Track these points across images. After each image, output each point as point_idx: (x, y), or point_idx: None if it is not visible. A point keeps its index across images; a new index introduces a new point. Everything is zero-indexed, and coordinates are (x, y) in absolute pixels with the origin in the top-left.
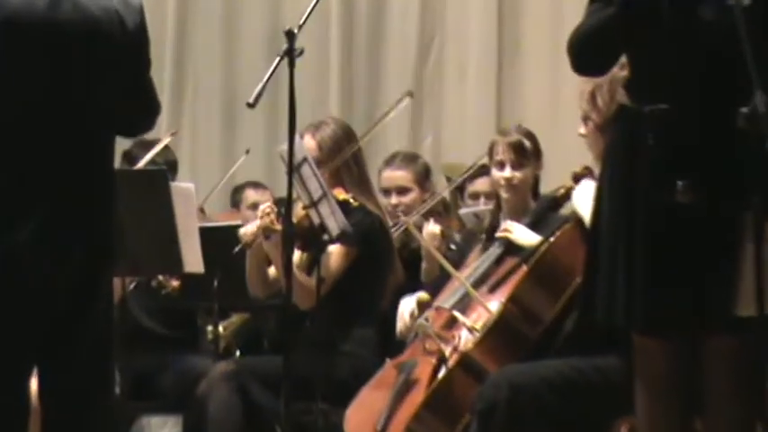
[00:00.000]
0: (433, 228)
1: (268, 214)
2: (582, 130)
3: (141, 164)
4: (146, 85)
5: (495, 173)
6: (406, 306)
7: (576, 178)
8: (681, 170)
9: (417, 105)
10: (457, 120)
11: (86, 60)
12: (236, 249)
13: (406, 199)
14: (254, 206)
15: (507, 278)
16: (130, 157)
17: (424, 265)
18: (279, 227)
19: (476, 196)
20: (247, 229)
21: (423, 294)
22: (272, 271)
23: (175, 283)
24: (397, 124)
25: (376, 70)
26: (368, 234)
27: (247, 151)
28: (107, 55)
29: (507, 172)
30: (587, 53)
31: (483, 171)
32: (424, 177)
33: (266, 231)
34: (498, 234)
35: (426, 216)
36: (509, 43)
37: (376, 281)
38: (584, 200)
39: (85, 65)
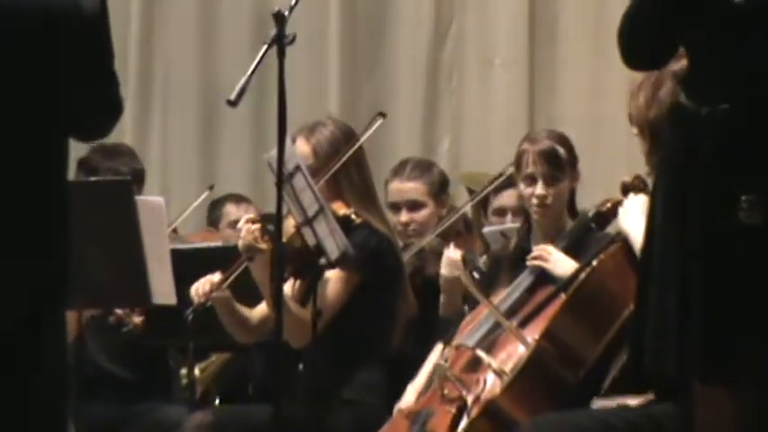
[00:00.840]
0: (453, 254)
1: (251, 231)
2: (634, 130)
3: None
4: (106, 79)
5: (525, 189)
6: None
7: (626, 190)
8: (745, 184)
9: (432, 103)
10: (480, 120)
11: (33, 48)
12: (188, 314)
13: (419, 216)
14: (236, 224)
15: (541, 310)
16: (88, 167)
17: (443, 298)
18: (265, 245)
19: (502, 212)
20: (199, 288)
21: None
22: (255, 312)
23: (138, 319)
24: (409, 126)
25: (383, 61)
26: (373, 257)
27: (211, 187)
28: (59, 42)
29: (539, 188)
30: (636, 41)
31: (511, 182)
32: (439, 189)
33: (249, 252)
34: (530, 261)
35: (444, 236)
36: (544, 27)
37: (383, 314)
38: (633, 216)
39: (32, 53)
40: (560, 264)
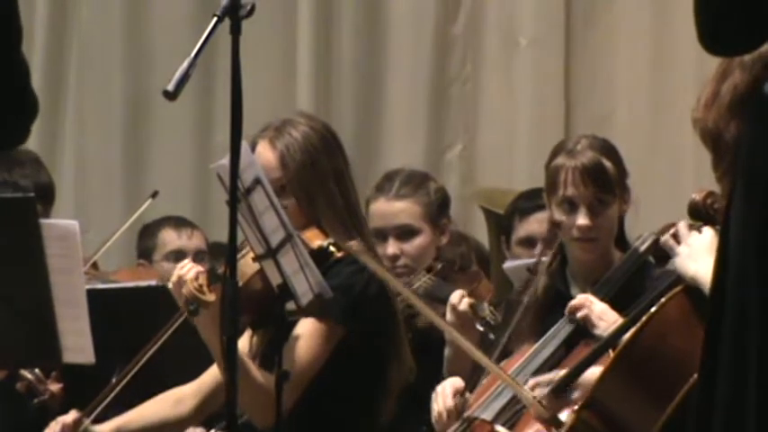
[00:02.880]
0: (457, 299)
1: (195, 278)
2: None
3: None
4: (14, 69)
5: (562, 218)
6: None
7: (695, 212)
8: None
9: (439, 95)
10: (501, 118)
11: None
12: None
13: (411, 246)
14: (176, 256)
15: (583, 371)
16: None
17: (447, 351)
18: (211, 296)
19: (529, 243)
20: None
21: (457, 381)
22: (192, 388)
23: (54, 387)
24: (407, 127)
25: (371, 39)
26: (361, 301)
27: (154, 194)
28: None
29: (583, 218)
30: (723, 13)
31: (538, 203)
32: (438, 211)
33: (189, 303)
34: (571, 311)
35: (444, 275)
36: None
37: (372, 379)
38: (700, 257)
39: None
40: (605, 319)
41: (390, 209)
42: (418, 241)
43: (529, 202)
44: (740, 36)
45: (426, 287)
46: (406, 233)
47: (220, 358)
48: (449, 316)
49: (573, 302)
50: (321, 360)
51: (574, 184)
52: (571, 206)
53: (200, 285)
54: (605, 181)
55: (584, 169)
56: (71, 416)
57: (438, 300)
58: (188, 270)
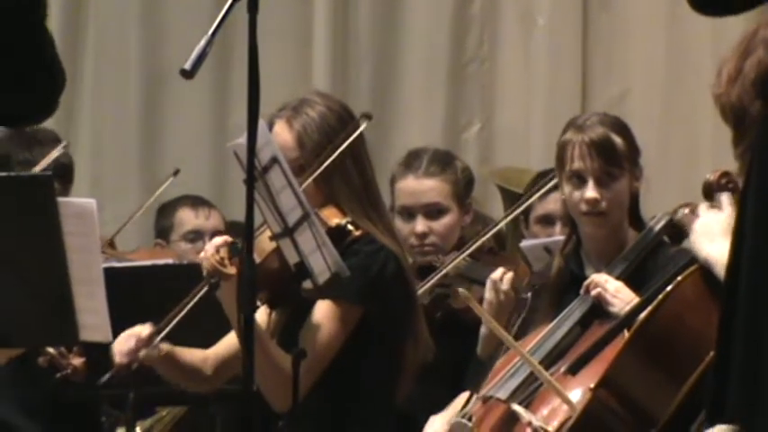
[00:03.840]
0: (499, 275)
1: (216, 251)
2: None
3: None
4: (44, 39)
5: (571, 192)
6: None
7: (710, 192)
8: None
9: (456, 75)
10: (518, 98)
11: None
12: (104, 379)
13: (440, 225)
14: (194, 236)
15: (598, 351)
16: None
17: (483, 330)
18: (231, 269)
19: (548, 221)
20: (123, 345)
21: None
22: (213, 353)
23: (77, 361)
24: (424, 106)
25: (388, 19)
26: (378, 282)
27: (176, 172)
28: None
29: (590, 190)
30: None
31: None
32: (465, 190)
33: (210, 276)
34: (586, 290)
35: (475, 255)
36: None
37: (389, 359)
38: (712, 236)
39: None
40: (620, 297)
41: (420, 186)
42: (446, 220)
43: (548, 180)
44: None
45: (459, 268)
46: (434, 211)
47: (240, 330)
48: (489, 293)
49: (588, 281)
50: (339, 343)
51: (581, 158)
52: (580, 180)
53: (222, 258)
54: (613, 154)
55: (592, 143)
56: (146, 329)
57: (473, 281)
58: (212, 245)
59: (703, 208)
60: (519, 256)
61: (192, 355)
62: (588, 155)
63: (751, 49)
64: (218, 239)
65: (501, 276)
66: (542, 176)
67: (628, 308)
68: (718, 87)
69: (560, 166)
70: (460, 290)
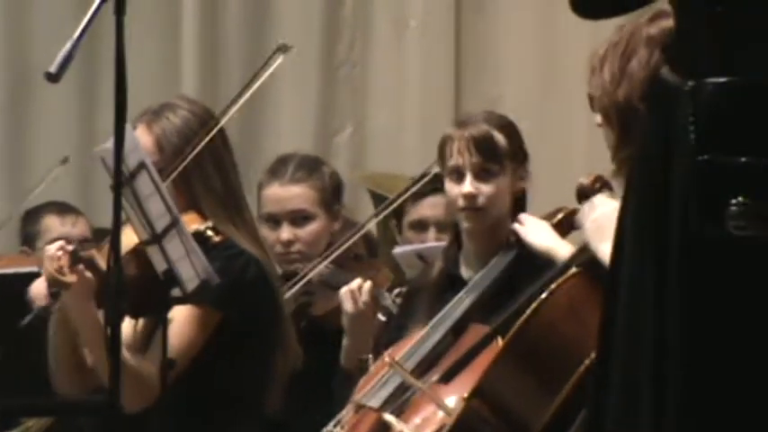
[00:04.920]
0: (356, 285)
1: (55, 258)
2: (598, 117)
3: None
4: None
5: (451, 188)
6: None
7: (583, 196)
8: (736, 184)
9: (328, 78)
10: (391, 101)
11: None
12: (26, 320)
13: (306, 232)
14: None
15: (472, 359)
16: None
17: (346, 341)
18: (71, 278)
19: (422, 226)
20: (40, 288)
21: None
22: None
23: None
24: (295, 109)
25: (258, 22)
26: (237, 286)
27: (65, 160)
28: None
29: (467, 185)
30: None
31: (433, 186)
32: (332, 196)
33: (52, 285)
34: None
35: (340, 262)
36: None
37: (255, 367)
38: (596, 231)
39: None
40: (535, 232)
41: (285, 193)
42: (313, 227)
43: (419, 180)
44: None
45: (322, 275)
46: (300, 218)
47: (91, 341)
48: (347, 304)
49: (515, 224)
50: (195, 347)
51: (459, 153)
52: (459, 176)
53: (60, 267)
54: (492, 151)
55: (471, 138)
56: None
57: (334, 288)
58: (50, 252)
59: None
60: (384, 262)
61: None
62: (467, 150)
63: (632, 48)
64: (54, 246)
65: (359, 286)
66: (417, 180)
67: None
68: (600, 88)
69: (441, 162)
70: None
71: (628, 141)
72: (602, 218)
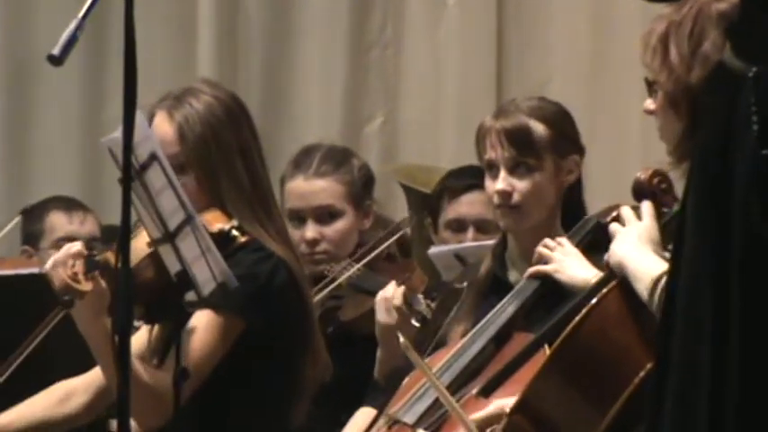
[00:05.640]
0: (392, 291)
1: (67, 264)
2: (648, 103)
3: None
4: None
5: (487, 183)
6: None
7: (639, 192)
8: None
9: (357, 63)
10: (426, 87)
11: None
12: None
13: (333, 230)
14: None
15: (515, 371)
16: None
17: (380, 353)
18: (87, 285)
19: (459, 225)
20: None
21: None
22: (79, 384)
23: None
24: (321, 96)
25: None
26: (265, 293)
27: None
28: None
29: (500, 182)
30: None
31: (474, 182)
32: (362, 191)
33: (66, 294)
34: (532, 270)
35: (372, 264)
36: None
37: (281, 379)
38: (635, 236)
39: None
40: (573, 267)
41: (310, 188)
42: (340, 224)
43: (459, 180)
44: None
45: (352, 278)
46: (326, 215)
47: (102, 356)
48: (381, 313)
49: (539, 249)
50: (216, 356)
51: (492, 146)
52: (494, 171)
53: (75, 273)
54: (528, 143)
55: (503, 130)
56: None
57: (365, 292)
58: (63, 255)
59: (626, 209)
60: (417, 262)
61: (36, 407)
62: (499, 143)
63: (700, 27)
64: (70, 249)
65: (393, 294)
66: (454, 176)
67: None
68: (666, 71)
69: (479, 156)
70: (401, 339)
71: (694, 133)
72: (632, 230)
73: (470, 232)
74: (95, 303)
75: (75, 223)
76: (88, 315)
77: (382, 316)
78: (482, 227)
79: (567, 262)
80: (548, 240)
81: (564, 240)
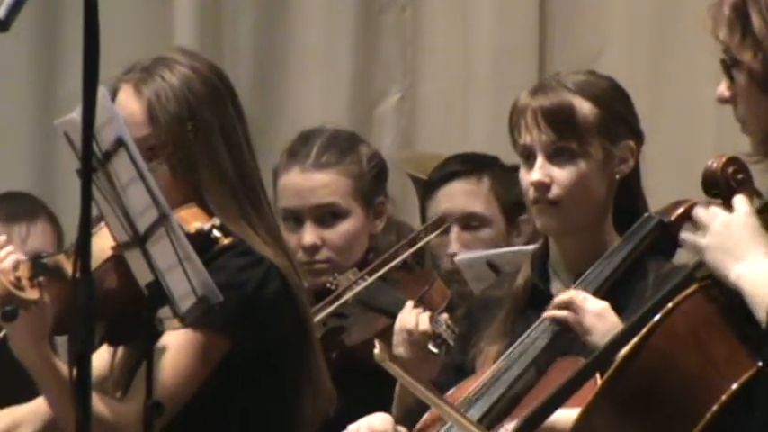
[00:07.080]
0: (413, 322)
1: (12, 269)
2: (723, 89)
3: None
4: None
5: (521, 173)
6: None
7: (711, 184)
8: None
9: (368, 28)
10: (452, 58)
11: None
12: None
13: (336, 234)
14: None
15: (561, 402)
16: None
17: (398, 387)
18: (33, 293)
19: (442, 225)
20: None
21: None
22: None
23: None
24: (327, 69)
25: None
26: (254, 306)
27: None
28: None
29: (536, 170)
30: None
31: (454, 169)
32: (372, 186)
33: (3, 303)
34: (549, 312)
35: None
36: None
37: (275, 412)
38: (739, 235)
39: None
40: (603, 322)
41: (308, 183)
42: (345, 227)
43: (440, 171)
44: None
45: (360, 293)
46: (328, 216)
47: (47, 387)
48: (401, 347)
49: (558, 299)
50: (195, 382)
51: (528, 129)
52: (531, 159)
53: (18, 279)
54: (570, 125)
55: (540, 109)
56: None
57: (376, 310)
58: (2, 259)
59: (699, 209)
60: (434, 272)
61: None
62: (536, 125)
63: None
64: (5, 253)
65: (415, 322)
66: (439, 167)
67: (607, 340)
68: (750, 45)
69: (513, 142)
70: (376, 352)
71: None
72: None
73: (455, 231)
74: (35, 321)
75: (16, 242)
76: (30, 330)
77: (403, 351)
78: (469, 223)
79: (594, 321)
80: (569, 293)
81: (585, 293)
